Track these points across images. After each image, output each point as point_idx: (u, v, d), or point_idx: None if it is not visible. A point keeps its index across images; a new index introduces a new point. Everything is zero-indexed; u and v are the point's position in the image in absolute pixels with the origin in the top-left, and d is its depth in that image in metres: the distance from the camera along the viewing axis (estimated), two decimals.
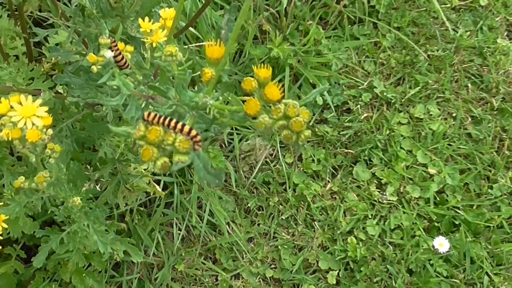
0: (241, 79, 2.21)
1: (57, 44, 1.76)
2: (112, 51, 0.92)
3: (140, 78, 0.97)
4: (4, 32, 1.78)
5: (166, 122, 0.76)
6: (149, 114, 0.77)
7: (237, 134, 2.21)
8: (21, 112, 1.00)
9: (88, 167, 1.72)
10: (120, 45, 0.98)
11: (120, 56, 0.93)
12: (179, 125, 0.76)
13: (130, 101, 0.90)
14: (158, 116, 0.77)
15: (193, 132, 0.76)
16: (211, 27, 2.17)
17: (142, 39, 1.05)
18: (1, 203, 1.30)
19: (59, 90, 1.50)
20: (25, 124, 1.00)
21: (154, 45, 1.00)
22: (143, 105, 0.92)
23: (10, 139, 1.01)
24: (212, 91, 0.85)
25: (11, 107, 1.01)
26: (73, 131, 1.56)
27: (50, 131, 1.04)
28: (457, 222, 2.10)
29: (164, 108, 0.86)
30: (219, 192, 2.14)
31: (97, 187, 1.73)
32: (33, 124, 1.01)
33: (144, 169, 1.73)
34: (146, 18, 1.03)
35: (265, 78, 0.80)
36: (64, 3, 2.11)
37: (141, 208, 2.03)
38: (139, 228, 2.00)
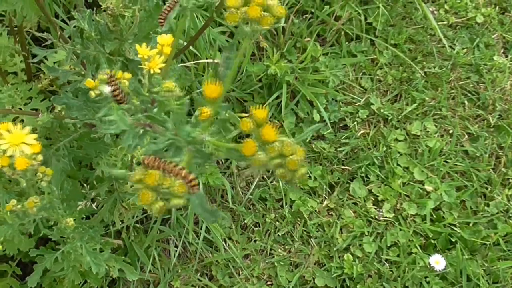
0: (239, 96, 2.23)
1: (55, 63, 1.77)
2: (110, 86, 0.93)
3: (137, 103, 0.98)
4: (4, 49, 1.79)
5: (165, 166, 0.77)
6: (147, 158, 0.78)
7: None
8: (9, 140, 1.00)
9: (85, 185, 1.72)
10: (119, 73, 0.99)
11: (118, 91, 0.93)
12: (177, 169, 0.77)
13: (127, 130, 0.91)
14: (156, 159, 0.77)
15: (190, 176, 0.77)
16: (209, 44, 2.17)
17: (139, 65, 1.05)
18: None
19: (57, 109, 1.51)
20: (14, 151, 1.00)
21: (151, 71, 1.01)
22: (140, 132, 0.92)
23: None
24: (209, 127, 0.85)
25: (0, 134, 1.01)
26: (70, 150, 1.57)
27: (40, 157, 1.04)
28: (453, 240, 2.10)
29: (162, 141, 0.87)
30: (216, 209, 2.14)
31: (93, 205, 1.73)
32: (22, 152, 1.01)
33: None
34: (144, 44, 1.03)
35: (262, 119, 0.81)
36: (63, 20, 2.13)
37: (138, 225, 2.03)
38: (136, 245, 2.00)
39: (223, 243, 2.10)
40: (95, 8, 1.41)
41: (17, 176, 1.07)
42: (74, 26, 1.37)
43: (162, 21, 1.09)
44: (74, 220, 1.33)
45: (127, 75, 0.99)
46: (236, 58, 0.89)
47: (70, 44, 1.34)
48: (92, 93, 0.99)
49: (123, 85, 1.03)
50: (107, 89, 0.92)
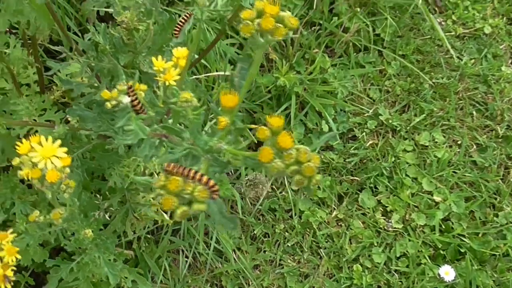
0: (248, 107, 2.24)
1: (67, 75, 1.79)
2: (129, 96, 0.95)
3: (153, 114, 1.00)
4: (17, 61, 1.81)
5: (186, 172, 0.79)
6: (169, 165, 0.80)
7: None
8: (41, 152, 1.01)
9: (98, 195, 1.74)
10: (136, 85, 1.00)
11: (137, 101, 0.95)
12: (197, 175, 0.79)
13: (144, 140, 0.92)
14: (178, 166, 0.79)
15: (211, 182, 0.80)
16: (219, 56, 2.19)
17: (154, 77, 1.07)
18: (14, 233, 1.32)
19: (72, 121, 1.52)
20: (45, 164, 1.02)
21: (167, 83, 1.02)
22: (156, 143, 0.94)
23: (29, 178, 1.03)
24: (226, 136, 0.87)
25: (32, 147, 1.03)
26: (84, 161, 1.58)
27: (67, 170, 1.05)
28: (462, 250, 2.11)
29: (179, 150, 0.89)
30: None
31: (106, 216, 1.74)
32: (52, 164, 1.02)
33: (152, 198, 1.75)
34: (159, 57, 1.05)
35: (278, 127, 0.83)
36: (75, 33, 2.15)
37: (149, 236, 2.05)
38: (146, 256, 2.01)
39: (233, 253, 2.11)
40: (108, 22, 1.44)
41: (45, 188, 1.08)
42: (89, 39, 1.39)
43: (177, 32, 1.11)
44: (92, 231, 1.35)
45: (143, 86, 1.01)
46: (251, 69, 0.91)
47: (84, 57, 1.36)
48: (108, 104, 1.01)
49: (139, 96, 1.05)
50: (126, 99, 0.94)
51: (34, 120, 1.70)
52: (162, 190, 0.80)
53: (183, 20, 1.15)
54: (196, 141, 0.88)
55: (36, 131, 1.69)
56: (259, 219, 2.19)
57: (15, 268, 1.29)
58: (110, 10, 1.56)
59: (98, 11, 1.94)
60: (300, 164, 0.81)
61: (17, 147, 1.05)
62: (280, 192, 2.22)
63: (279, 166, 0.81)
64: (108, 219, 1.76)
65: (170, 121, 1.02)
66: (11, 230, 1.34)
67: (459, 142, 2.35)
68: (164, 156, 0.93)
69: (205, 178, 0.80)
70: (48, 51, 2.12)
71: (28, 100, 1.72)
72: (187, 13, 1.13)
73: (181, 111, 0.93)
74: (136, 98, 0.95)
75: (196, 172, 0.80)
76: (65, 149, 1.03)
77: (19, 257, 1.28)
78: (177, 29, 1.13)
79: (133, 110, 0.95)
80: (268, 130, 0.83)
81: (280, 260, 2.13)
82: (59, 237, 1.37)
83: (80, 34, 2.20)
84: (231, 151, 0.86)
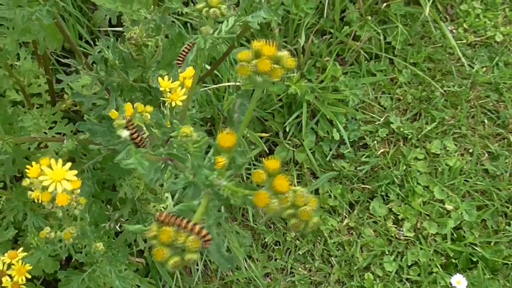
0: (259, 116, 2.25)
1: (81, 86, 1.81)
2: (128, 130, 0.95)
3: (159, 136, 1.01)
4: (28, 73, 1.83)
5: (178, 222, 0.80)
6: (161, 215, 0.80)
7: (254, 168, 2.24)
8: (51, 176, 1.02)
9: (108, 206, 1.75)
10: (140, 106, 1.01)
11: (136, 134, 0.95)
12: (190, 225, 0.80)
13: (149, 165, 0.93)
14: (170, 216, 0.80)
15: (203, 232, 0.80)
16: (230, 64, 2.20)
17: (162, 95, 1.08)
18: (24, 252, 1.34)
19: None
20: (55, 187, 1.03)
21: (173, 103, 1.03)
22: (161, 167, 0.95)
23: (40, 201, 1.04)
24: (225, 173, 0.87)
25: (41, 170, 1.04)
26: (94, 172, 1.60)
27: (78, 191, 1.07)
28: (474, 259, 2.10)
29: (181, 180, 0.89)
30: (237, 227, 2.16)
31: (117, 226, 1.76)
32: (62, 187, 1.03)
33: (163, 208, 1.76)
34: (166, 77, 1.06)
35: (274, 170, 0.82)
36: (87, 41, 2.17)
37: None
38: (158, 264, 2.02)
39: (244, 261, 2.11)
40: (121, 31, 1.45)
41: (55, 209, 1.10)
42: (99, 52, 1.41)
43: (180, 62, 1.12)
44: (102, 244, 1.36)
45: (149, 108, 1.01)
46: (250, 105, 0.91)
47: (94, 71, 1.38)
48: (116, 124, 1.02)
49: (145, 118, 1.06)
50: (125, 133, 0.94)
51: (45, 133, 1.72)
52: (154, 240, 0.80)
53: (186, 50, 1.16)
54: (197, 174, 0.89)
55: (47, 146, 1.71)
56: (270, 227, 2.20)
57: (25, 287, 1.31)
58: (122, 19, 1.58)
59: (110, 19, 1.96)
60: (297, 208, 0.81)
61: (27, 170, 1.06)
62: None
63: (276, 208, 0.80)
64: (119, 229, 1.77)
65: (176, 144, 1.03)
66: (21, 249, 1.36)
67: (470, 151, 2.34)
68: (167, 185, 0.93)
69: (197, 228, 0.80)
70: (58, 60, 2.14)
71: (39, 112, 1.74)
72: (190, 43, 1.14)
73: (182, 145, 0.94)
74: (136, 131, 0.95)
75: (188, 222, 0.80)
76: (75, 171, 1.04)
77: (29, 276, 1.30)
78: (180, 59, 1.14)
79: (132, 143, 0.95)
80: (264, 173, 0.82)
81: (291, 268, 2.14)
82: (70, 250, 1.38)
83: (92, 43, 2.22)
84: (230, 188, 0.86)
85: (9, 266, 1.35)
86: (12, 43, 1.42)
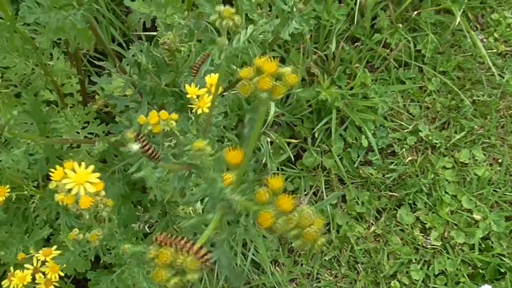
0: (289, 121, 2.26)
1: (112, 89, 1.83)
2: (139, 143, 0.94)
3: (184, 142, 1.01)
4: (61, 73, 1.86)
5: (175, 242, 0.79)
6: (158, 236, 0.81)
7: (282, 173, 2.25)
8: (74, 179, 1.04)
9: (139, 207, 1.77)
10: (163, 113, 1.02)
11: (148, 147, 0.94)
12: (188, 245, 0.79)
13: (172, 174, 0.94)
14: (168, 237, 0.80)
15: (202, 252, 0.78)
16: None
17: (189, 103, 1.09)
18: (58, 251, 1.36)
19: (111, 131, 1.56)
20: (78, 190, 1.04)
21: (200, 111, 1.05)
22: (186, 175, 0.95)
23: (64, 204, 1.06)
24: (236, 188, 0.87)
25: (65, 173, 1.05)
26: (125, 174, 1.62)
27: (102, 193, 1.08)
28: (502, 270, 2.09)
29: (199, 192, 0.89)
30: (264, 232, 2.16)
31: (146, 227, 1.78)
32: (85, 190, 1.05)
33: (192, 211, 1.78)
34: (193, 84, 1.07)
35: (278, 188, 0.80)
36: (119, 44, 2.19)
37: None
38: None
39: (270, 266, 2.12)
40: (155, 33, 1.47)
41: (81, 211, 1.11)
42: (133, 55, 1.43)
43: (194, 73, 1.13)
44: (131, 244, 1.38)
45: (174, 116, 1.02)
46: (256, 124, 0.90)
47: (127, 74, 1.40)
48: (145, 130, 1.03)
49: (170, 125, 1.07)
50: (135, 147, 0.94)
51: (77, 132, 1.74)
52: (154, 261, 0.79)
53: (200, 62, 1.17)
54: (211, 188, 0.89)
55: (79, 146, 1.74)
56: None
57: (57, 285, 1.33)
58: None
59: (144, 23, 1.98)
60: (302, 229, 0.78)
61: (51, 173, 1.07)
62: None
63: (280, 229, 0.78)
64: (148, 230, 1.79)
65: None
66: (55, 246, 1.39)
67: (499, 161, 2.33)
68: (186, 197, 0.94)
69: (195, 248, 0.79)
70: (89, 61, 2.16)
71: (72, 112, 1.77)
72: (204, 54, 1.15)
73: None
74: (147, 144, 0.94)
75: (187, 242, 0.79)
76: (98, 174, 1.05)
77: (62, 274, 1.32)
78: (194, 70, 1.15)
79: (145, 157, 0.95)
80: (266, 193, 0.80)
81: (317, 274, 2.14)
82: (99, 252, 1.40)
83: (124, 45, 2.25)
84: (241, 203, 0.86)
85: (43, 263, 1.37)
86: (46, 42, 1.44)
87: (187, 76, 1.34)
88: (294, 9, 1.37)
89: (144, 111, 1.43)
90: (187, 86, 1.11)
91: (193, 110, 1.10)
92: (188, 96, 1.09)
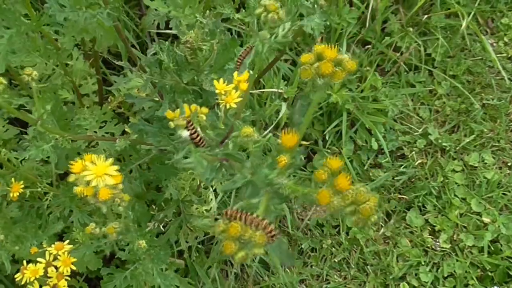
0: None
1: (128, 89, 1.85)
2: (188, 130, 0.97)
3: (213, 136, 1.04)
4: (80, 73, 1.88)
5: (245, 217, 0.83)
6: (230, 210, 0.83)
7: (292, 175, 2.26)
8: (94, 171, 1.05)
9: (153, 206, 1.79)
10: (193, 106, 1.04)
11: (196, 134, 0.98)
12: (257, 220, 0.82)
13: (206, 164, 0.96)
14: (237, 212, 0.83)
15: (270, 227, 0.82)
16: (273, 72, 2.23)
17: (215, 97, 1.11)
18: (70, 245, 1.38)
19: (132, 135, 1.58)
20: (97, 182, 1.06)
21: (227, 106, 1.06)
22: (217, 166, 0.98)
23: (83, 195, 1.08)
24: (285, 172, 0.90)
25: (85, 166, 1.07)
26: (141, 172, 1.64)
27: (120, 186, 1.10)
28: (511, 273, 2.10)
29: (239, 179, 0.92)
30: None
31: (161, 226, 1.79)
32: (104, 182, 1.06)
33: (206, 210, 1.80)
34: (221, 80, 1.09)
35: (337, 168, 0.85)
36: (132, 45, 2.21)
37: (200, 246, 2.09)
38: (197, 265, 2.05)
39: (280, 267, 2.13)
40: (167, 36, 1.49)
41: (99, 204, 1.13)
42: (154, 54, 1.45)
43: (238, 65, 1.15)
44: (145, 241, 1.39)
45: (205, 109, 1.04)
46: (309, 109, 0.93)
47: (148, 74, 1.42)
48: (172, 124, 1.05)
49: (200, 119, 1.09)
50: (185, 133, 0.97)
51: (95, 132, 1.76)
52: (222, 235, 0.82)
53: (244, 54, 1.19)
54: (256, 173, 0.91)
55: (97, 143, 1.75)
56: (307, 234, 2.22)
57: (69, 279, 1.35)
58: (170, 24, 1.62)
59: (158, 24, 1.99)
60: (358, 205, 0.83)
61: (70, 166, 1.09)
62: None
63: (336, 206, 0.82)
64: (163, 229, 1.81)
65: (230, 145, 1.06)
66: (67, 241, 1.40)
67: (509, 164, 2.34)
68: (225, 184, 0.96)
69: (264, 223, 0.82)
70: (107, 61, 2.18)
71: (89, 111, 1.79)
72: (248, 46, 1.17)
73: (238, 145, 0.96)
74: (195, 132, 0.98)
75: (256, 217, 0.82)
76: (116, 167, 1.06)
77: (74, 268, 1.33)
78: (239, 62, 1.17)
79: (192, 143, 0.98)
80: (325, 173, 0.84)
81: (326, 275, 2.15)
82: (114, 247, 1.42)
83: (138, 47, 2.27)
84: (291, 187, 0.89)
85: (55, 257, 1.39)
86: (69, 42, 1.46)
87: (207, 75, 1.35)
88: (315, 5, 1.39)
89: (165, 109, 1.44)
90: (215, 82, 1.13)
91: (220, 106, 1.12)
92: (216, 91, 1.11)
